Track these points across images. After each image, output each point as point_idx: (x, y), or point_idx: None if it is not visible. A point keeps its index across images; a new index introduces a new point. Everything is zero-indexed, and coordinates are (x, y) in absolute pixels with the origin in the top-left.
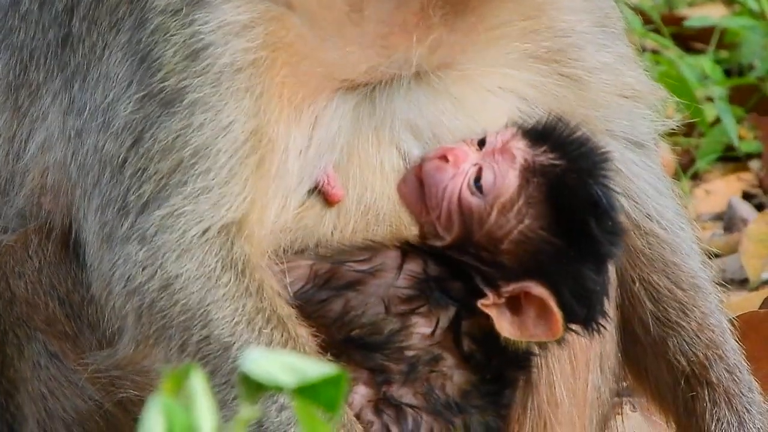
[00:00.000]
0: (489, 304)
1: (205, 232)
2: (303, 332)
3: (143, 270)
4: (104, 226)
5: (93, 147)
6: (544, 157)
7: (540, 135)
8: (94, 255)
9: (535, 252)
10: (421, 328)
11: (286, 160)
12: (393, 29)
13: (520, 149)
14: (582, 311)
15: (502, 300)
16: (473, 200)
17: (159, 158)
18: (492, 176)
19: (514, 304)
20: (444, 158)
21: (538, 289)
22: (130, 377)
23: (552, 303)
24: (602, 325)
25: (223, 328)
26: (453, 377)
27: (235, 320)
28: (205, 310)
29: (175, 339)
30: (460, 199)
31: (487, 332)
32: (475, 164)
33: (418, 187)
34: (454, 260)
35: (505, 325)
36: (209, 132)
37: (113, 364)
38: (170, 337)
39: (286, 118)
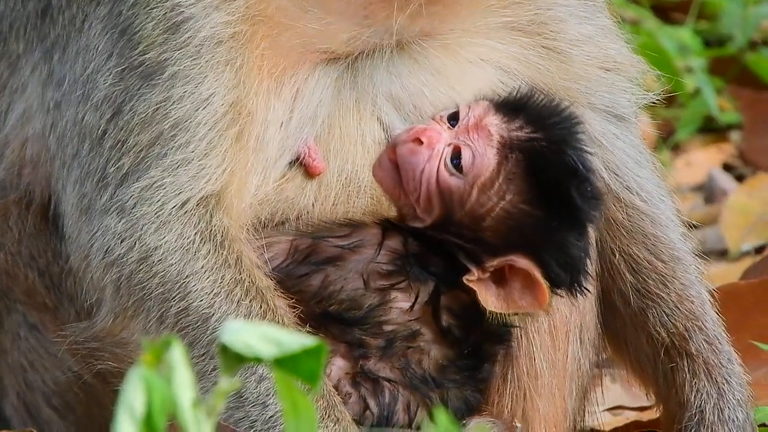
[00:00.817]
0: (474, 280)
1: (184, 204)
2: (281, 304)
3: (122, 242)
4: (83, 198)
5: (72, 119)
6: (521, 132)
7: (513, 108)
8: (73, 227)
9: (518, 226)
10: (400, 302)
11: (266, 132)
12: None
13: (495, 125)
14: (567, 278)
15: (487, 275)
16: (453, 181)
17: (139, 131)
18: (470, 155)
19: (499, 277)
20: (417, 140)
21: (522, 262)
22: (109, 349)
23: (537, 274)
24: (586, 288)
25: (201, 300)
26: (430, 352)
27: (213, 292)
28: (183, 282)
29: (154, 311)
30: (438, 180)
31: (466, 306)
32: (450, 144)
33: (393, 170)
34: (435, 239)
35: (490, 300)
36: (189, 105)
37: (92, 336)
38: (149, 309)
39: (265, 90)
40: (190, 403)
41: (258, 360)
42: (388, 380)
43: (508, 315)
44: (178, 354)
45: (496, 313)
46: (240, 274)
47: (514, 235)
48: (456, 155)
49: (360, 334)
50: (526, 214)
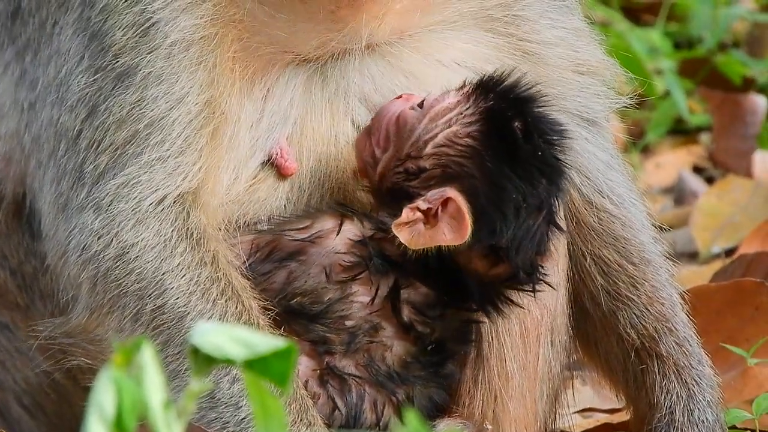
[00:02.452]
0: (402, 223)
1: (160, 201)
2: (256, 305)
3: (99, 239)
4: (60, 196)
5: (48, 120)
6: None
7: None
8: (50, 225)
9: (456, 155)
10: (361, 296)
11: (238, 132)
12: (341, 3)
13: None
14: (497, 218)
15: (417, 214)
16: (410, 113)
17: (114, 130)
18: (434, 97)
19: (431, 219)
20: (399, 96)
21: (452, 192)
22: (82, 345)
23: (461, 201)
24: (539, 276)
25: (177, 298)
26: (393, 347)
27: (189, 290)
28: (160, 279)
29: (129, 308)
30: (399, 116)
31: (428, 302)
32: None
33: (368, 128)
34: (384, 192)
35: (414, 239)
36: (164, 104)
37: (65, 332)
38: (124, 305)
39: (238, 90)
40: (160, 405)
41: (228, 362)
42: (354, 376)
43: (432, 249)
44: (148, 355)
45: (420, 252)
46: (216, 272)
47: (450, 164)
48: (423, 100)
49: (323, 331)
50: (466, 145)
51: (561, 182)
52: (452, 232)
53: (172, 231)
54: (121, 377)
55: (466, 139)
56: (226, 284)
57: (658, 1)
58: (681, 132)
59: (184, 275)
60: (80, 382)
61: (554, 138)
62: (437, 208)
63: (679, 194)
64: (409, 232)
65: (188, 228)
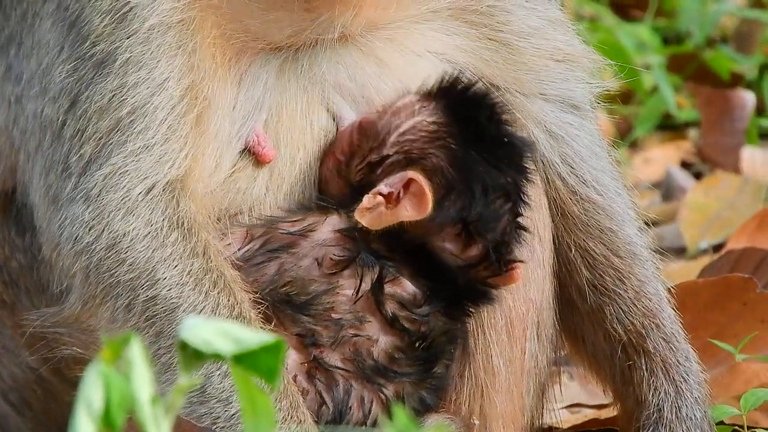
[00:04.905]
0: (364, 209)
1: (150, 190)
2: (246, 297)
3: (90, 230)
4: (49, 188)
5: (33, 113)
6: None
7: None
8: (42, 217)
9: (420, 140)
10: (347, 289)
11: (217, 119)
12: None
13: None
14: (469, 197)
15: (379, 199)
16: (372, 116)
17: (97, 119)
18: (392, 100)
19: (393, 202)
20: None
21: (413, 173)
22: (75, 335)
23: (422, 179)
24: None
25: (170, 289)
26: (379, 341)
27: (182, 281)
28: (152, 270)
29: (122, 298)
30: (361, 121)
31: (415, 300)
32: None
33: (330, 145)
34: (351, 193)
35: (376, 220)
36: (144, 90)
37: (58, 321)
38: (117, 296)
39: (219, 77)
40: (148, 400)
41: (217, 356)
42: (340, 369)
43: (395, 226)
44: (137, 350)
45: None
46: (208, 263)
47: (414, 150)
48: None
49: (309, 323)
50: (431, 131)
51: (526, 173)
52: (414, 208)
53: (162, 220)
54: (110, 372)
55: (431, 126)
56: (218, 276)
57: None
58: (669, 127)
59: (176, 266)
60: (67, 378)
61: (517, 137)
62: (399, 191)
63: (667, 190)
64: (371, 216)
65: (179, 216)
